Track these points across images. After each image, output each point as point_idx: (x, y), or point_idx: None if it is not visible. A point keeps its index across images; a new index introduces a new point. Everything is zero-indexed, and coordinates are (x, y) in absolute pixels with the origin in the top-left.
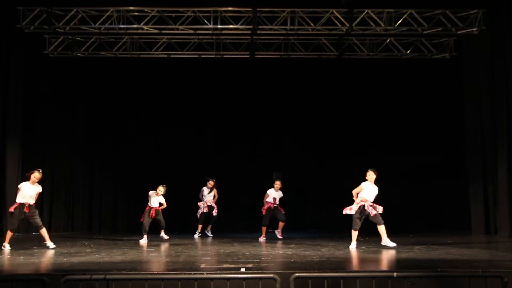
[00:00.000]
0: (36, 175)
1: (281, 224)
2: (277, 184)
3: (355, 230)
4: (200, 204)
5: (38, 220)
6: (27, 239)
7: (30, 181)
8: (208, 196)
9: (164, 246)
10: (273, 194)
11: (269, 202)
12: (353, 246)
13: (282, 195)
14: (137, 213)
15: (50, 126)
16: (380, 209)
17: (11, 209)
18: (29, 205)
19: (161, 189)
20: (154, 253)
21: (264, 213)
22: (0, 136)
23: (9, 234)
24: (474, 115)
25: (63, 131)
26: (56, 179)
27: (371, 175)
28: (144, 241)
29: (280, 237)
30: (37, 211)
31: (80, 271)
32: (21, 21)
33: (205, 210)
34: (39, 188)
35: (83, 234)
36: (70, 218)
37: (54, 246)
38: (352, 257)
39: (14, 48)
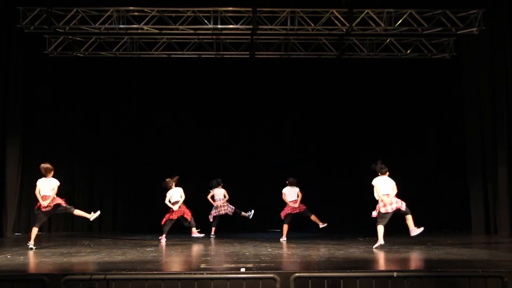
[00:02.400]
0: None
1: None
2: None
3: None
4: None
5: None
6: (27, 239)
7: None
8: (218, 195)
9: (164, 246)
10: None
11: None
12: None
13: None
14: (137, 213)
15: (50, 126)
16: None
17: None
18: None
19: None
20: (154, 253)
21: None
22: (0, 136)
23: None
24: (474, 115)
25: (63, 131)
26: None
27: (380, 167)
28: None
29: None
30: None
31: (80, 271)
32: (21, 21)
33: (222, 212)
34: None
35: (83, 234)
36: (70, 218)
37: (94, 216)
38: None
39: (14, 48)
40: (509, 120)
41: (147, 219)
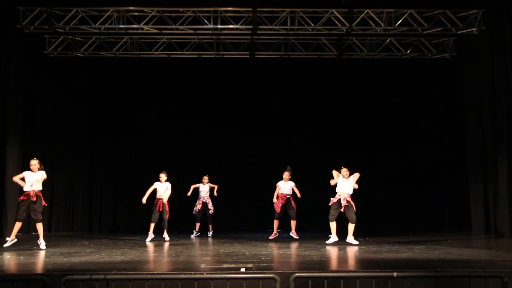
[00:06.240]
0: (32, 162)
1: (293, 223)
2: (286, 175)
3: (331, 221)
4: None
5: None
6: (27, 239)
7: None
8: (203, 193)
9: (164, 246)
10: (283, 185)
11: (282, 194)
12: (333, 239)
13: (293, 185)
14: (137, 213)
15: (50, 126)
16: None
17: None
18: (36, 194)
19: (162, 176)
20: (154, 253)
21: (278, 210)
22: (0, 135)
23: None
24: (474, 115)
25: (63, 130)
26: (56, 179)
27: (343, 171)
28: (149, 239)
29: (296, 237)
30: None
31: (80, 271)
32: (21, 21)
33: (199, 207)
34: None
35: (83, 234)
36: (70, 218)
37: (44, 247)
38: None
39: (14, 48)
40: (509, 120)
41: (147, 219)
